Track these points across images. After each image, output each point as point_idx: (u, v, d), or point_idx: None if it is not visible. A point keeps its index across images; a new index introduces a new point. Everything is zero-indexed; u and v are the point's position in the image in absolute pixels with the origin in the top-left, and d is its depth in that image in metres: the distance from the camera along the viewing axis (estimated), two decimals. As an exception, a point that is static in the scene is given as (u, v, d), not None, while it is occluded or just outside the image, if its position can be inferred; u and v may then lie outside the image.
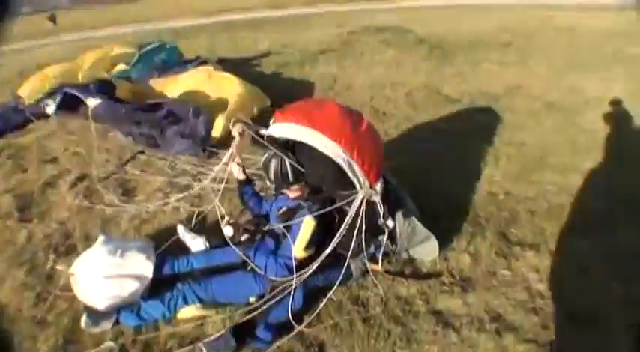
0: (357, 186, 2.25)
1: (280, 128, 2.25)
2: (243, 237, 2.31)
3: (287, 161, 2.23)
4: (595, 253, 2.60)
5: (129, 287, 2.38)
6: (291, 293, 2.14)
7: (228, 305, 2.33)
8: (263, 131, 2.29)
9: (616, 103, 4.72)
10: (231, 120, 2.34)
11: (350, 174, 2.20)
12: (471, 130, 4.46)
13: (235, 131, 2.29)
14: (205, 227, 3.03)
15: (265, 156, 2.32)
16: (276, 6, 13.13)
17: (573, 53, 6.83)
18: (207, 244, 2.77)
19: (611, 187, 3.26)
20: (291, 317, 2.14)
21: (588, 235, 2.75)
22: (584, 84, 5.43)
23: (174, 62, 6.15)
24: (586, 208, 3.06)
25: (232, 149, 2.42)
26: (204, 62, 6.36)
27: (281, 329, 2.14)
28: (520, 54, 7.08)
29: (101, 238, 2.57)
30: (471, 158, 3.86)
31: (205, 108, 4.57)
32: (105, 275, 2.37)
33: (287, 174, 2.24)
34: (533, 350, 2.02)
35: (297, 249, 2.18)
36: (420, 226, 2.49)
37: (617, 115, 4.50)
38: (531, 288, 2.39)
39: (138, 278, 2.43)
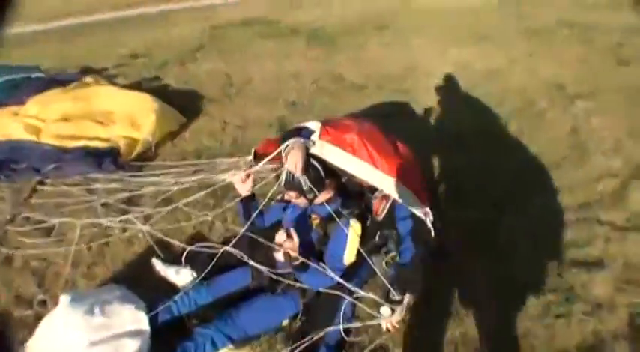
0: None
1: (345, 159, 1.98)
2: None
3: (314, 162, 1.98)
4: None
5: (128, 349, 1.89)
6: (342, 306, 1.95)
7: (262, 335, 2.03)
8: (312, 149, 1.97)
9: (503, 73, 5.41)
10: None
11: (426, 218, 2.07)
12: (394, 114, 4.56)
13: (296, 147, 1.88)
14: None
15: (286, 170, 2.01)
16: (117, 6, 11.33)
17: (445, 31, 7.33)
18: (195, 274, 2.35)
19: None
20: (342, 331, 1.94)
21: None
22: (467, 58, 5.97)
23: (44, 81, 4.86)
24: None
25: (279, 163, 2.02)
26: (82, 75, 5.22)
27: (339, 345, 1.94)
28: (399, 35, 7.27)
29: (65, 298, 1.95)
30: (414, 141, 3.98)
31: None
32: (91, 341, 1.83)
33: (321, 174, 2.00)
34: (558, 296, 2.26)
35: (349, 256, 1.98)
36: None
37: (508, 82, 5.14)
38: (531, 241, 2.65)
39: (134, 334, 1.95)
